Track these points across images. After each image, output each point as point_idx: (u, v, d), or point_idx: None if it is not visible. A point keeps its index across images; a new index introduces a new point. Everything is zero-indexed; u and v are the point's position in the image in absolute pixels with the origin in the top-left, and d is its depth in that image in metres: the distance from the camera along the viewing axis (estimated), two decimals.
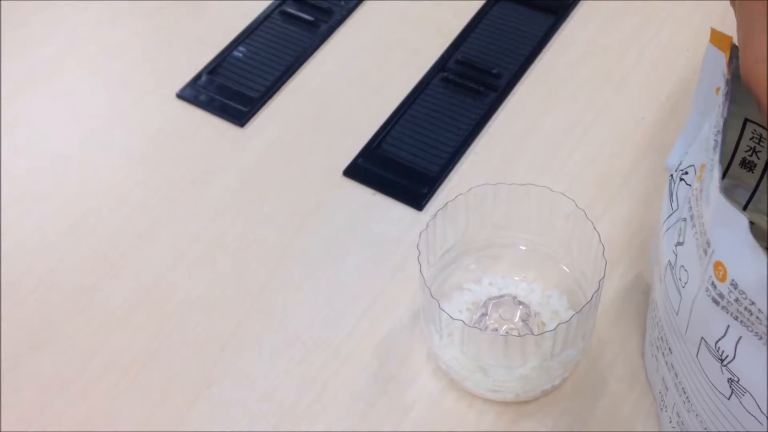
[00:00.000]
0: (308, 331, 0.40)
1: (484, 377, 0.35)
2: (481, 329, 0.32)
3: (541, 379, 0.35)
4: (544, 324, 0.37)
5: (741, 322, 0.25)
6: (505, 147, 0.47)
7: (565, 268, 0.38)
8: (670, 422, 0.34)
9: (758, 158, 0.34)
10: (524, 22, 0.52)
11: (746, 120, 0.33)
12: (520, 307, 0.37)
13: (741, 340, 0.26)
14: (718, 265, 0.26)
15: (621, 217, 0.43)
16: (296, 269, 0.43)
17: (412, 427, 0.37)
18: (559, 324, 0.31)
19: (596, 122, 0.47)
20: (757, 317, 0.25)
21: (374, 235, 0.43)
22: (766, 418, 0.26)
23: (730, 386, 0.27)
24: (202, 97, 0.49)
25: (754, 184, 0.34)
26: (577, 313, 0.31)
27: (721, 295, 0.26)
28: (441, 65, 0.50)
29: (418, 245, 0.35)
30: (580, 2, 0.53)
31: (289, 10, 0.53)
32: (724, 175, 0.36)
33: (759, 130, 0.33)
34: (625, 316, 0.39)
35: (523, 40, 0.51)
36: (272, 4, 0.54)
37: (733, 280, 0.25)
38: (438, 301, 0.32)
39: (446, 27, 0.52)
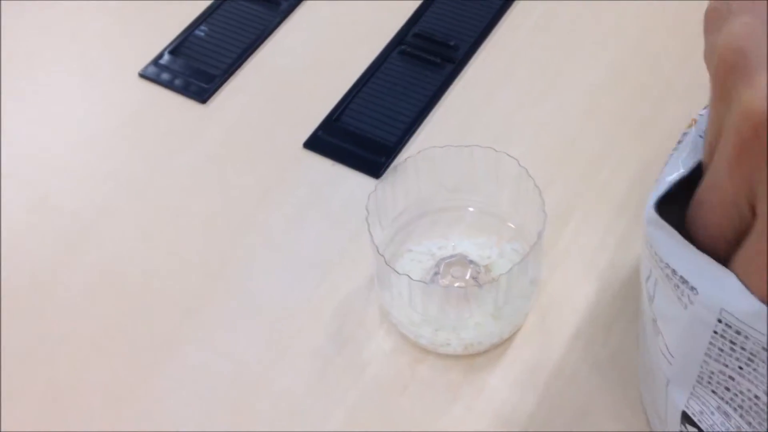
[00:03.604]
0: (270, 296, 0.42)
1: (433, 332, 0.37)
2: (425, 283, 0.34)
3: (489, 332, 0.36)
4: (494, 280, 0.38)
5: (648, 262, 0.27)
6: (461, 116, 0.48)
7: (511, 225, 0.40)
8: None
9: None
10: None
11: None
12: (471, 265, 0.39)
13: (657, 282, 0.27)
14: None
15: (572, 179, 0.44)
16: (258, 238, 0.44)
17: (367, 383, 0.38)
18: (500, 275, 0.33)
19: (550, 89, 0.48)
20: (656, 258, 0.26)
21: (334, 203, 0.45)
22: (672, 359, 0.28)
23: (654, 325, 0.28)
24: (165, 76, 0.51)
25: None
26: (516, 264, 0.33)
27: (645, 239, 0.27)
28: (400, 39, 0.51)
29: (367, 206, 0.36)
30: None
31: None
32: None
33: None
34: (573, 270, 0.40)
35: (480, 12, 0.52)
36: None
37: (645, 223, 0.27)
38: (384, 257, 0.34)
39: (405, 1, 0.53)
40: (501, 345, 0.38)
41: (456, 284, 0.38)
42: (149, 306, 0.42)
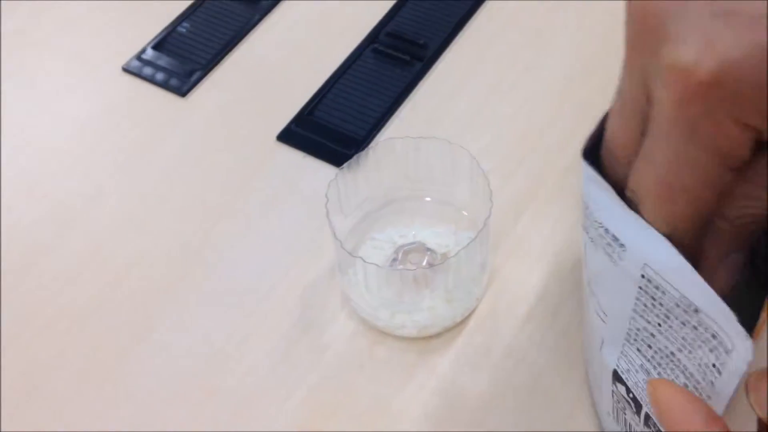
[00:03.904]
0: (240, 281, 0.44)
1: (390, 316, 0.39)
2: (377, 266, 0.36)
3: (442, 315, 0.39)
4: (441, 263, 0.40)
5: (585, 227, 0.29)
6: (429, 111, 0.50)
7: (468, 214, 0.42)
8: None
9: None
10: None
11: None
12: (428, 253, 0.41)
13: (587, 246, 0.29)
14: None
15: (532, 171, 0.46)
16: (231, 226, 0.46)
17: (328, 364, 0.40)
18: (447, 259, 0.35)
19: (515, 86, 0.50)
20: (590, 221, 0.28)
21: (304, 193, 0.47)
22: (605, 317, 0.29)
23: (588, 287, 0.30)
24: (147, 70, 0.53)
25: None
26: (462, 248, 0.35)
27: (582, 206, 0.29)
28: (373, 37, 0.53)
29: (327, 194, 0.38)
30: None
31: None
32: None
33: None
34: (525, 257, 0.42)
35: (451, 12, 0.54)
36: None
37: (582, 191, 0.28)
38: (341, 241, 0.36)
39: (379, 2, 0.55)
40: (454, 328, 0.40)
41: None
42: (127, 291, 0.44)
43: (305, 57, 0.54)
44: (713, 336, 0.25)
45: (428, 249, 0.41)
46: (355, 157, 0.39)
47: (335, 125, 0.49)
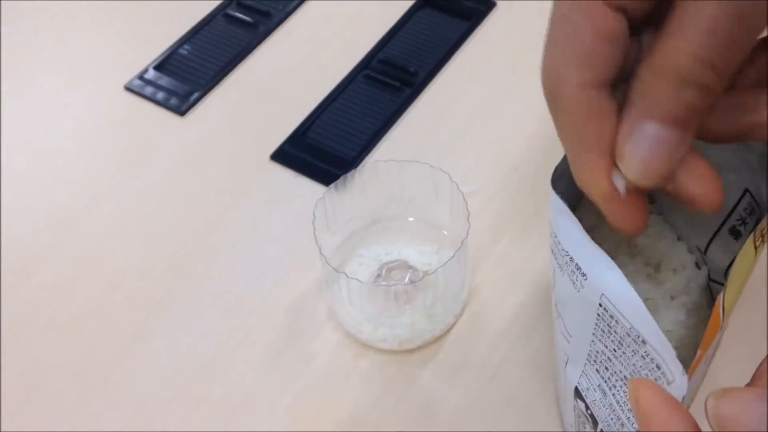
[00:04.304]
0: (230, 293, 0.46)
1: (373, 329, 0.41)
2: (360, 281, 0.38)
3: (422, 330, 0.41)
4: (420, 280, 0.42)
5: (554, 254, 0.31)
6: (416, 134, 0.52)
7: (446, 233, 0.44)
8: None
9: None
10: (443, 27, 0.58)
11: None
12: (410, 270, 0.43)
13: (555, 272, 0.31)
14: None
15: (512, 195, 0.48)
16: (223, 239, 0.48)
17: (314, 374, 0.42)
18: (425, 276, 0.37)
19: (498, 114, 0.53)
20: (558, 249, 0.30)
21: (294, 210, 0.49)
22: (570, 338, 0.32)
23: (556, 310, 0.32)
24: (148, 90, 0.55)
25: None
26: (441, 266, 0.37)
27: (552, 231, 0.31)
28: (365, 63, 0.56)
29: (314, 212, 0.40)
30: (494, 9, 0.58)
31: (232, 12, 0.59)
32: None
33: None
34: (504, 278, 0.45)
35: (440, 42, 0.57)
36: (217, 6, 0.60)
37: (551, 220, 0.30)
38: (326, 257, 0.38)
39: (373, 30, 0.58)
40: (434, 343, 0.42)
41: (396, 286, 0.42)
42: (121, 298, 0.46)
43: (300, 80, 0.56)
44: (657, 367, 0.27)
45: (410, 267, 0.43)
46: (341, 178, 0.41)
47: (327, 146, 0.52)
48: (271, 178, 0.51)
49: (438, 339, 0.42)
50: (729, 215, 0.35)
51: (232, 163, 0.52)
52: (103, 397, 0.42)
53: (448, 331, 0.43)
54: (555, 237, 0.30)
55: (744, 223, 0.34)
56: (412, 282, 0.42)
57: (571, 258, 0.29)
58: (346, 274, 0.37)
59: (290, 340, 0.44)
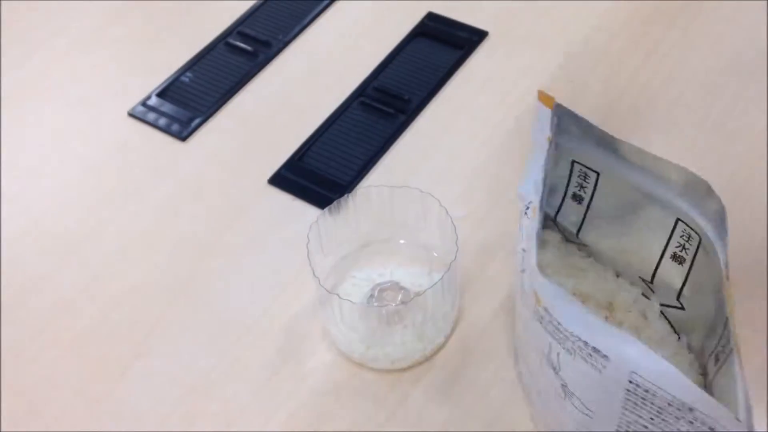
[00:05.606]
0: (227, 313, 0.47)
1: (365, 349, 0.42)
2: (352, 302, 0.39)
3: (412, 350, 0.42)
4: (409, 301, 0.44)
5: (556, 339, 0.32)
6: (409, 160, 0.54)
7: (436, 255, 0.45)
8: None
9: (585, 193, 0.41)
10: (436, 56, 0.60)
11: (573, 161, 0.40)
12: (402, 291, 0.44)
13: (560, 355, 0.32)
14: (535, 293, 0.32)
15: (501, 219, 0.50)
16: (221, 260, 0.50)
17: (307, 392, 0.43)
18: (413, 298, 0.38)
19: (488, 140, 0.54)
20: (564, 335, 0.31)
21: (291, 233, 0.50)
22: (592, 413, 0.32)
23: (563, 390, 0.33)
24: (151, 116, 0.57)
25: (583, 214, 0.41)
26: (430, 287, 0.38)
27: (542, 317, 0.32)
28: (360, 91, 0.58)
29: (308, 235, 0.42)
30: (486, 39, 0.60)
31: (233, 41, 0.61)
32: (558, 209, 0.42)
33: (584, 169, 0.40)
34: (492, 301, 0.46)
35: (433, 70, 0.59)
36: (218, 35, 0.62)
37: (545, 306, 0.31)
38: (319, 278, 0.39)
39: (368, 59, 0.60)
40: (425, 362, 0.44)
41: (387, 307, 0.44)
42: (123, 316, 0.47)
43: (297, 108, 0.58)
44: (711, 429, 0.27)
45: (402, 287, 0.44)
46: (335, 202, 0.43)
47: (323, 171, 0.53)
48: (269, 202, 0.52)
49: (428, 358, 0.44)
50: (666, 245, 0.37)
51: (231, 187, 0.53)
52: (103, 414, 0.43)
53: (438, 350, 0.44)
54: (559, 324, 0.31)
55: (684, 248, 0.36)
56: (403, 303, 0.43)
57: (585, 342, 0.30)
58: (339, 295, 0.39)
59: (285, 359, 0.45)
